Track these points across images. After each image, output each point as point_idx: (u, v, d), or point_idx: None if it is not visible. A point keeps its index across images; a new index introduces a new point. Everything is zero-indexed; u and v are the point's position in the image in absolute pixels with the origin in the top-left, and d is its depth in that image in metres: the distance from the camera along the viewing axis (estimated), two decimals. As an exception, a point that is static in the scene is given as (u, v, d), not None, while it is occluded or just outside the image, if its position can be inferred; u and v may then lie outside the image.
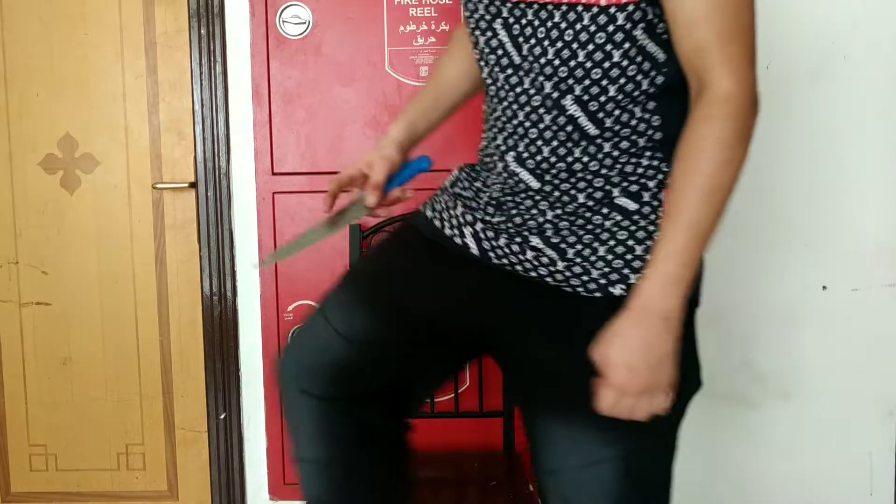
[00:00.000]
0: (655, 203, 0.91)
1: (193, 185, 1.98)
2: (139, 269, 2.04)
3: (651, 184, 0.91)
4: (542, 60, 0.89)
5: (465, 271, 1.02)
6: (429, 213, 1.09)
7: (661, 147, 0.91)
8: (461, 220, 1.03)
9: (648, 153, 0.91)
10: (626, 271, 0.90)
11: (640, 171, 0.92)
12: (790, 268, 1.80)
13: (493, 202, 0.99)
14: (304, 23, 1.86)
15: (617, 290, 0.90)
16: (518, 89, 0.93)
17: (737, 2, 0.83)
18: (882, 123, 1.78)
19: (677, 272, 0.82)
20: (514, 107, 0.93)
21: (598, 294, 0.91)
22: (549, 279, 0.94)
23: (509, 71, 0.93)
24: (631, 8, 0.84)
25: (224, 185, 1.93)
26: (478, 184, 1.04)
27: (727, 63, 0.82)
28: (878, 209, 1.79)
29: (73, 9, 1.98)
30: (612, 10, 0.84)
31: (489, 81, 0.98)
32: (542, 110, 0.91)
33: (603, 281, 0.91)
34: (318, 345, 1.07)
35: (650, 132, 0.91)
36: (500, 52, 0.93)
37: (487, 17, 0.93)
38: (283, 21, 1.86)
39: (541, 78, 0.90)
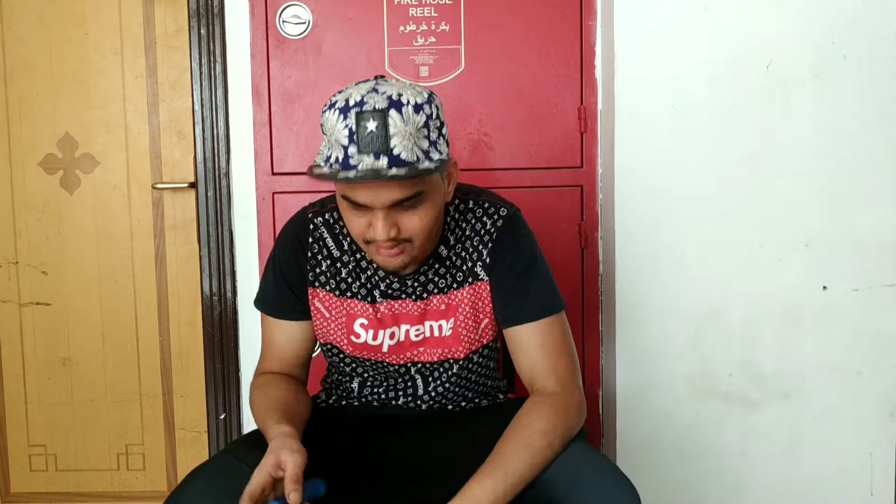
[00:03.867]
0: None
1: (193, 185, 1.98)
2: (139, 269, 2.04)
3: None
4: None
5: None
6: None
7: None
8: None
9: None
10: None
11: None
12: (790, 268, 1.80)
13: None
14: (304, 23, 1.86)
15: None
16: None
17: (561, 329, 1.19)
18: (882, 123, 1.78)
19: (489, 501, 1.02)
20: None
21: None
22: None
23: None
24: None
25: (224, 185, 1.93)
26: None
27: (553, 374, 1.15)
28: (878, 209, 1.79)
29: (73, 9, 1.98)
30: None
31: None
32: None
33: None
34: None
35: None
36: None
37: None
38: (283, 21, 1.86)
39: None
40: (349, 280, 1.23)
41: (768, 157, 1.78)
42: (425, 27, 1.86)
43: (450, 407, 1.30)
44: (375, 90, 1.04)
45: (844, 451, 1.84)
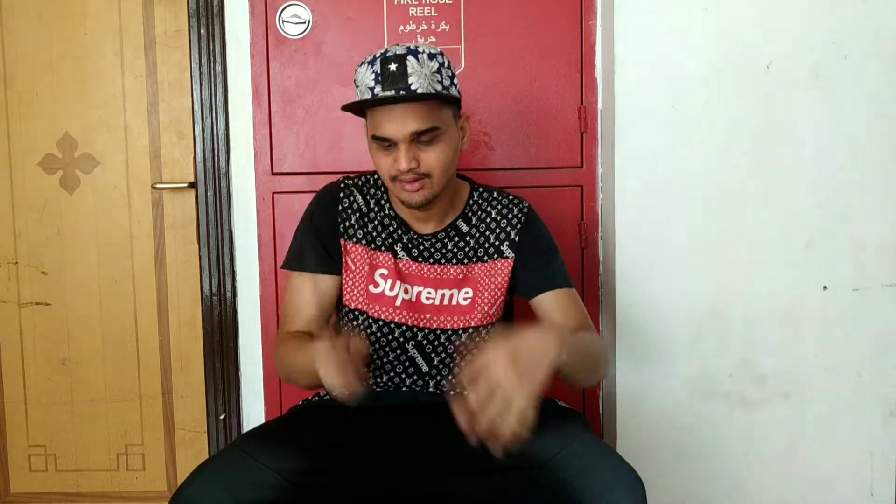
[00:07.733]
0: None
1: (193, 185, 1.97)
2: (139, 269, 2.04)
3: None
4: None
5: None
6: None
7: None
8: None
9: None
10: None
11: None
12: (790, 268, 1.80)
13: None
14: (304, 22, 1.86)
15: None
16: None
17: (580, 302, 1.37)
18: (882, 123, 1.78)
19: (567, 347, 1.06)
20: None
21: None
22: None
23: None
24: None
25: (224, 185, 1.93)
26: None
27: (586, 327, 1.33)
28: (878, 209, 1.79)
29: (73, 9, 1.98)
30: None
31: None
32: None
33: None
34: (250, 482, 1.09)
35: None
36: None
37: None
38: (283, 21, 1.86)
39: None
40: (374, 233, 1.36)
41: (768, 157, 1.78)
42: (425, 27, 1.86)
43: (454, 392, 1.31)
44: (396, 44, 1.26)
45: (844, 451, 1.84)
